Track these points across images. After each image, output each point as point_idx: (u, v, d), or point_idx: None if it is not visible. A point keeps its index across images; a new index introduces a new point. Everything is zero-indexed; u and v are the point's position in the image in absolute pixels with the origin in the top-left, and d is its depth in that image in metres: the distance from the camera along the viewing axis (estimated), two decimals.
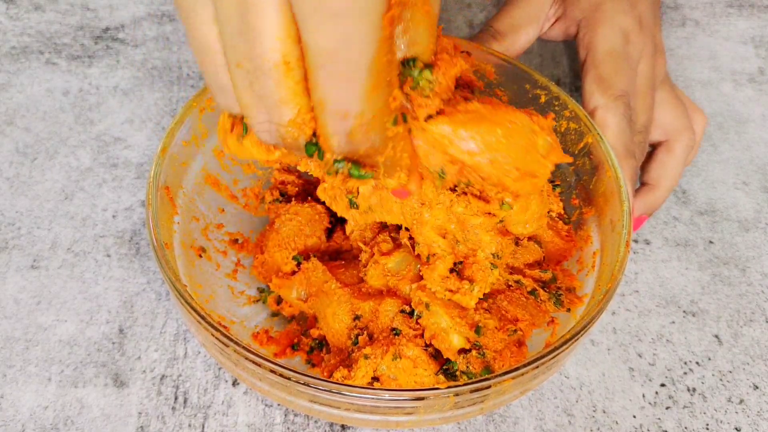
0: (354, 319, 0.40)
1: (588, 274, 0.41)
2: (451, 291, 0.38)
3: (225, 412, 0.42)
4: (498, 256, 0.39)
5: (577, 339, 0.36)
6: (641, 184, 0.50)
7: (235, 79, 0.28)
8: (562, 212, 0.44)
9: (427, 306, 0.38)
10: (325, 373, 0.40)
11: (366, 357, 0.37)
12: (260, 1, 0.26)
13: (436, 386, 0.33)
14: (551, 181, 0.44)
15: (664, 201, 0.50)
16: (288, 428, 0.42)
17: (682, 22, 0.69)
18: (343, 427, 0.42)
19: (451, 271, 0.40)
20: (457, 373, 0.37)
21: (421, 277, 0.40)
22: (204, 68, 0.29)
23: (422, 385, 0.37)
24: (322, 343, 0.42)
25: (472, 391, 0.34)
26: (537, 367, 0.35)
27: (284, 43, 0.27)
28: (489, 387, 0.34)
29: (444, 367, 0.38)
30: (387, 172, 0.32)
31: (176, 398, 0.42)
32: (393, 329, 0.39)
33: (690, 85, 0.63)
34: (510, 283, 0.41)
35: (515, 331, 0.39)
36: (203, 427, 0.41)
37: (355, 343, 0.39)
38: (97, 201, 0.52)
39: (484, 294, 0.39)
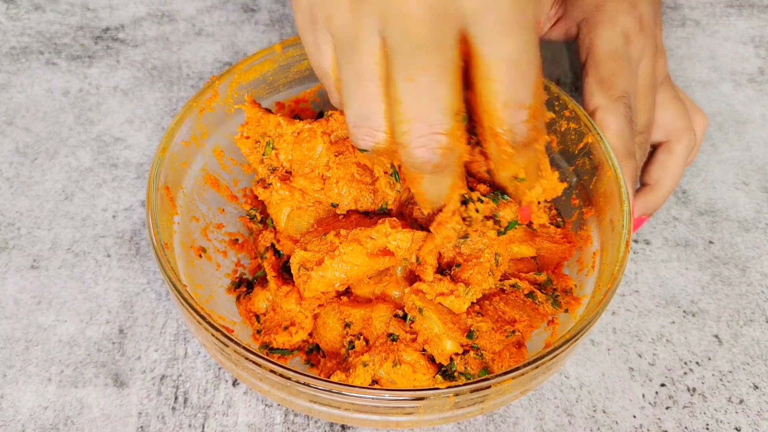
0: (345, 327, 0.40)
1: (588, 275, 0.41)
2: (442, 294, 0.38)
3: (225, 412, 0.42)
4: (498, 262, 0.39)
5: (577, 339, 0.36)
6: (641, 184, 0.50)
7: (401, 94, 0.32)
8: (546, 223, 0.44)
9: (420, 311, 0.38)
10: (323, 376, 0.40)
11: (365, 364, 0.37)
12: (445, 22, 0.31)
13: (437, 386, 0.33)
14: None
15: (665, 202, 0.50)
16: (288, 428, 0.42)
17: (682, 22, 0.69)
18: (343, 427, 0.42)
19: (444, 273, 0.40)
20: (455, 374, 0.37)
21: (411, 280, 0.40)
22: (354, 95, 0.34)
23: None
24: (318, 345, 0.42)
25: (472, 391, 0.34)
26: (537, 367, 0.35)
27: (459, 52, 0.32)
28: (489, 387, 0.34)
29: (442, 369, 0.38)
30: (533, 173, 0.37)
31: (176, 398, 0.43)
32: (389, 335, 0.39)
33: (690, 85, 0.63)
34: (505, 287, 0.41)
35: (513, 332, 0.39)
36: (203, 427, 0.41)
37: (351, 347, 0.39)
38: (97, 201, 0.52)
39: (479, 298, 0.39)
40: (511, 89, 0.32)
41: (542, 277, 0.42)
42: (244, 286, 0.44)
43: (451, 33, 0.31)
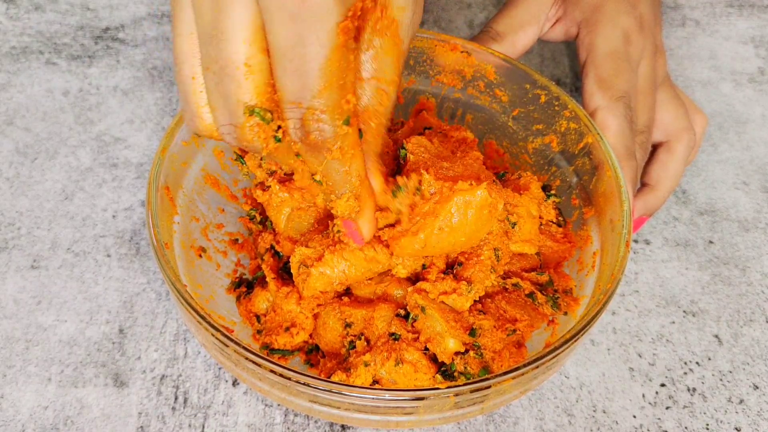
0: (345, 327, 0.40)
1: (588, 275, 0.41)
2: (445, 293, 0.38)
3: (225, 412, 0.42)
4: (499, 257, 0.39)
5: (577, 339, 0.36)
6: (642, 184, 0.50)
7: (206, 83, 0.32)
8: (554, 219, 0.44)
9: (422, 309, 0.38)
10: (323, 376, 0.40)
11: (366, 364, 0.37)
12: (231, 7, 0.30)
13: (437, 386, 0.33)
14: (545, 189, 0.44)
15: (665, 202, 0.50)
16: (288, 428, 0.42)
17: (682, 22, 0.69)
18: (343, 427, 0.42)
19: (447, 272, 0.40)
20: (455, 374, 0.37)
21: (413, 280, 0.40)
22: (177, 77, 0.33)
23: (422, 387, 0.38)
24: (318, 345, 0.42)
25: (472, 391, 0.34)
26: (537, 367, 0.35)
27: (249, 47, 0.30)
28: (489, 387, 0.34)
29: (442, 369, 0.38)
30: (336, 184, 0.34)
31: (176, 398, 0.42)
32: (392, 334, 0.39)
33: (690, 85, 0.63)
34: (507, 286, 0.41)
35: (514, 331, 0.39)
36: (203, 427, 0.41)
37: (352, 347, 0.39)
38: (97, 201, 0.52)
39: (481, 297, 0.39)
40: (283, 81, 0.31)
41: (544, 278, 0.42)
42: (244, 286, 0.44)
43: (239, 21, 0.30)
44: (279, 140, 0.32)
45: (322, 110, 0.31)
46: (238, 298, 0.43)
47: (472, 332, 0.38)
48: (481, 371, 0.37)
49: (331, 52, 0.30)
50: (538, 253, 0.43)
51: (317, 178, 0.34)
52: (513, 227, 0.41)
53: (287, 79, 0.31)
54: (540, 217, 0.43)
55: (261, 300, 0.42)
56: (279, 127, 0.32)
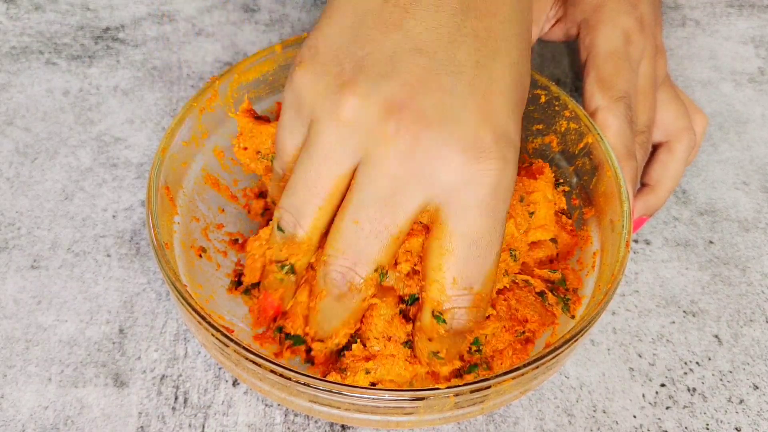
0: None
1: (588, 275, 0.41)
2: None
3: (225, 412, 0.42)
4: (516, 257, 0.39)
5: (578, 339, 0.36)
6: (642, 184, 0.50)
7: (343, 228, 0.34)
8: (565, 207, 0.44)
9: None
10: (321, 373, 0.40)
11: (367, 372, 0.37)
12: (414, 190, 0.33)
13: (437, 386, 0.33)
14: (555, 180, 0.44)
15: (665, 202, 0.50)
16: (288, 428, 0.42)
17: (682, 22, 0.69)
18: (343, 427, 0.42)
19: None
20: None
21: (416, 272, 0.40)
22: (297, 192, 0.36)
23: (415, 376, 0.38)
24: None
25: (472, 392, 0.34)
26: (537, 367, 0.35)
27: (410, 223, 0.34)
28: (489, 387, 0.34)
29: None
30: (450, 357, 0.37)
31: (176, 398, 0.43)
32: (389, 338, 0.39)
33: (690, 85, 0.63)
34: (518, 281, 0.41)
35: (523, 332, 0.39)
36: (203, 427, 0.41)
37: (347, 348, 0.39)
38: (97, 201, 0.52)
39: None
40: (463, 267, 0.34)
41: (557, 275, 0.41)
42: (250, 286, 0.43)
43: (415, 200, 0.33)
44: (443, 321, 0.35)
45: (485, 297, 0.35)
46: (246, 292, 0.43)
47: (476, 341, 0.38)
48: (471, 367, 0.38)
49: (502, 243, 0.35)
50: (554, 239, 0.43)
51: (441, 355, 0.36)
52: (531, 216, 0.41)
53: (466, 266, 0.34)
54: (554, 204, 0.43)
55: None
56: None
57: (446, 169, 0.32)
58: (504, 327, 0.38)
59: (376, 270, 0.34)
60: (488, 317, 0.39)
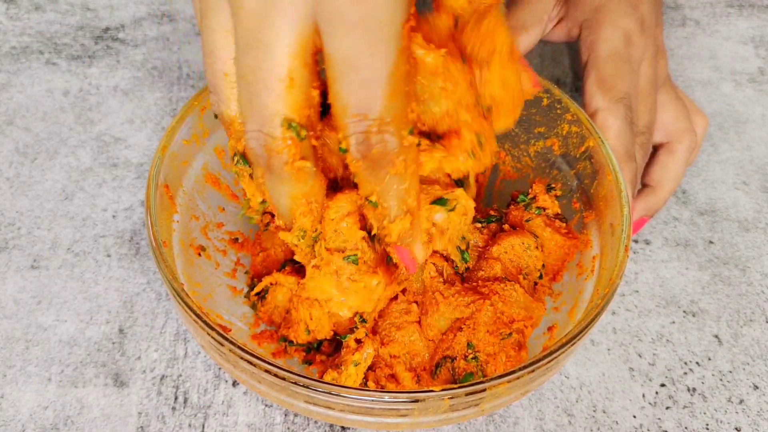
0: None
1: (587, 279, 0.41)
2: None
3: (225, 412, 0.42)
4: (482, 143, 0.36)
5: (575, 343, 0.36)
6: (642, 185, 0.50)
7: (240, 89, 0.31)
8: (559, 212, 0.44)
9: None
10: (318, 374, 0.40)
11: (356, 364, 0.37)
12: (277, 18, 0.28)
13: (431, 389, 0.33)
14: (548, 190, 0.44)
15: (666, 203, 0.50)
16: (288, 428, 0.42)
17: (682, 22, 0.69)
18: (343, 428, 0.42)
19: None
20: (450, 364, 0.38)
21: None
22: (206, 69, 0.32)
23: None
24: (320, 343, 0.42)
25: (467, 394, 0.34)
26: (533, 371, 0.35)
27: (293, 60, 0.29)
28: (484, 390, 0.34)
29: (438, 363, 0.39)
30: (392, 206, 0.33)
31: (176, 398, 0.42)
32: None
33: (690, 85, 0.63)
34: (500, 276, 0.41)
35: (510, 334, 0.39)
36: (203, 427, 0.41)
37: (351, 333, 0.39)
38: (97, 201, 0.52)
39: (473, 297, 0.39)
40: (348, 93, 0.29)
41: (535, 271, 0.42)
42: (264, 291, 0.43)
43: (285, 30, 0.29)
44: (344, 150, 0.31)
45: (388, 121, 0.30)
46: (260, 298, 0.43)
47: (470, 346, 0.38)
48: (468, 376, 0.38)
49: (398, 57, 0.29)
50: (542, 248, 0.43)
51: (373, 199, 0.33)
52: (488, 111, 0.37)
53: (352, 91, 0.29)
54: (545, 210, 0.43)
55: (280, 294, 0.41)
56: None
57: None
58: (488, 331, 0.38)
59: (288, 127, 0.30)
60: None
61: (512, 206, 0.44)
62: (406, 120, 0.31)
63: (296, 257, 0.37)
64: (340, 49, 0.29)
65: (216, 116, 0.34)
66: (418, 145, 0.33)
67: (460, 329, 0.39)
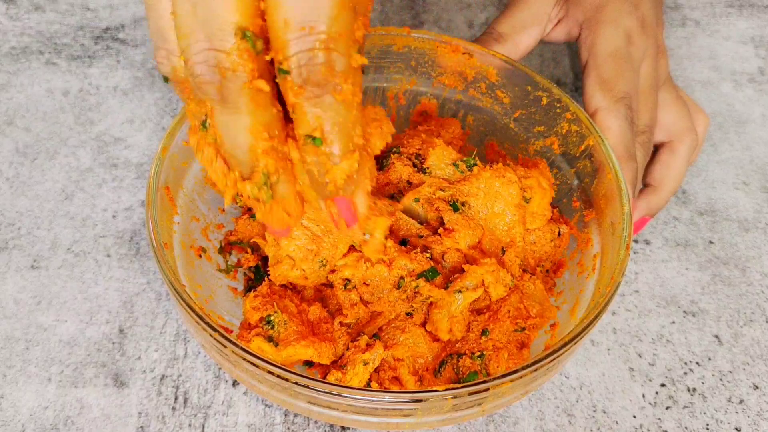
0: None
1: (588, 277, 0.41)
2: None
3: (225, 412, 0.42)
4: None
5: (576, 342, 0.36)
6: (644, 185, 0.50)
7: (179, 6, 0.27)
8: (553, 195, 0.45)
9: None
10: (320, 374, 0.40)
11: (365, 363, 0.37)
12: None
13: (434, 389, 0.33)
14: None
15: (667, 202, 0.50)
16: (288, 428, 0.42)
17: (682, 22, 0.69)
18: (343, 428, 0.42)
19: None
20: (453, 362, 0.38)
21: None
22: (150, 19, 0.29)
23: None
24: None
25: (470, 394, 0.34)
26: (535, 369, 0.35)
27: None
28: (487, 389, 0.34)
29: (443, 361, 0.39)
30: (338, 140, 0.29)
31: (176, 398, 0.42)
32: (408, 314, 0.40)
33: (690, 85, 0.63)
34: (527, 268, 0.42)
35: (523, 329, 0.39)
36: (203, 427, 0.41)
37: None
38: (97, 201, 0.52)
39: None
40: (294, 4, 0.26)
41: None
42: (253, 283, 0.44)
43: None
44: (285, 72, 0.27)
45: (335, 36, 0.27)
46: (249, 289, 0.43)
47: (485, 332, 0.39)
48: (472, 375, 0.38)
49: None
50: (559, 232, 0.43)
51: (316, 135, 0.28)
52: (527, 202, 0.41)
53: (298, 4, 0.26)
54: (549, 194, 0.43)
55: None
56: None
57: None
58: (510, 318, 0.39)
59: (242, 36, 0.27)
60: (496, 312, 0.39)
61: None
62: (353, 37, 0.27)
63: (258, 216, 0.32)
64: None
65: (166, 80, 0.30)
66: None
67: (480, 313, 0.40)
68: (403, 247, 0.40)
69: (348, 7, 0.27)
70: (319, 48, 0.27)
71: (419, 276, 0.39)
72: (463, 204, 0.41)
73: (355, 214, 0.31)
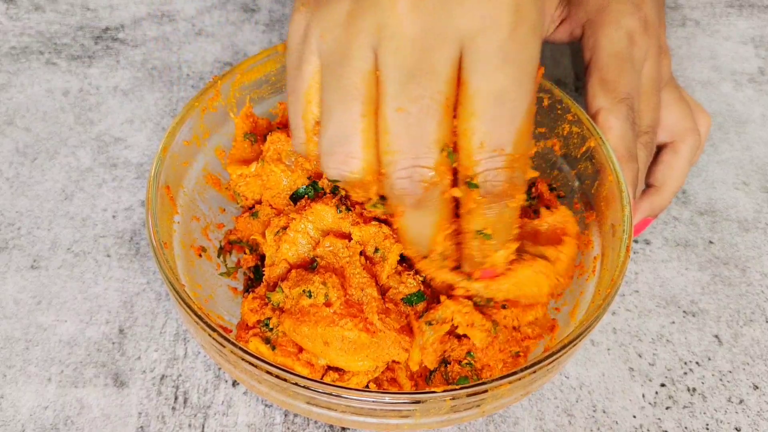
0: None
1: (588, 279, 0.41)
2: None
3: (225, 412, 0.42)
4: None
5: (576, 344, 0.36)
6: (646, 185, 0.50)
7: (390, 123, 0.31)
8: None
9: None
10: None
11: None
12: (441, 46, 0.29)
13: (433, 390, 0.33)
14: (551, 190, 0.44)
15: (670, 203, 0.50)
16: (288, 428, 0.42)
17: (682, 22, 0.69)
18: (343, 428, 0.42)
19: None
20: (449, 370, 0.38)
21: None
22: (334, 117, 0.32)
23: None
24: None
25: (468, 395, 0.34)
26: (534, 372, 0.35)
27: (452, 85, 0.30)
28: (486, 391, 0.34)
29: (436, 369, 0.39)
30: (503, 235, 0.34)
31: (176, 398, 0.42)
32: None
33: (690, 85, 0.63)
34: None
35: (518, 353, 0.39)
36: (203, 427, 0.41)
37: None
38: (97, 201, 0.52)
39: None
40: (490, 128, 0.31)
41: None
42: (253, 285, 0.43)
43: (445, 58, 0.30)
44: (474, 186, 0.32)
45: (517, 157, 0.31)
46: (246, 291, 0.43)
47: (469, 354, 0.38)
48: (462, 380, 0.38)
49: (532, 97, 0.31)
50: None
51: (488, 232, 0.34)
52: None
53: (493, 127, 0.30)
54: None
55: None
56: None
57: (461, 11, 0.29)
58: (500, 349, 0.38)
59: (447, 154, 0.31)
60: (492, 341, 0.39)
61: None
62: (530, 156, 0.33)
63: (433, 280, 0.38)
64: (489, 83, 0.30)
65: (335, 182, 0.34)
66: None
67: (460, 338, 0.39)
68: (399, 265, 0.40)
69: (529, 132, 0.32)
70: (505, 168, 0.31)
71: (403, 299, 0.38)
72: (488, 300, 0.39)
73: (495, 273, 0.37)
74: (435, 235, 0.34)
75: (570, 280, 0.41)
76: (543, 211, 0.42)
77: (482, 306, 0.38)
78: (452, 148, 0.31)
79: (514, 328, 0.39)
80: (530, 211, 0.43)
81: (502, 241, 0.35)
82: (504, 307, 0.39)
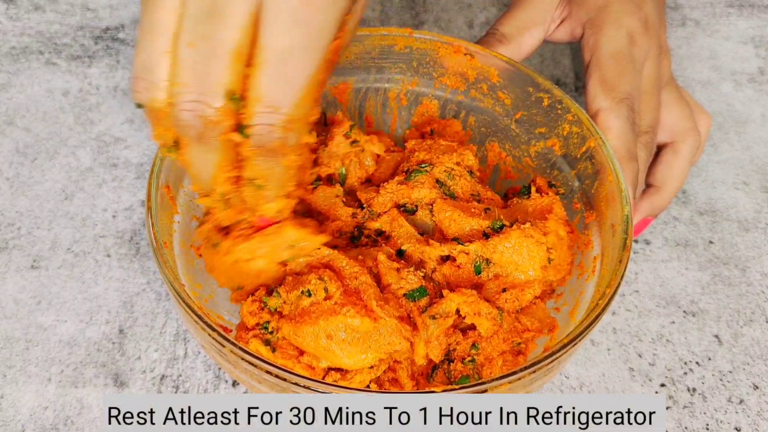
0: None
1: (588, 279, 0.41)
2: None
3: None
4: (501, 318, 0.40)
5: (575, 344, 0.36)
6: (647, 185, 0.50)
7: (181, 56, 0.31)
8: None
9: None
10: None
11: (371, 366, 0.37)
12: None
13: (432, 390, 0.33)
14: (550, 187, 0.44)
15: (670, 203, 0.50)
16: None
17: (682, 22, 0.69)
18: None
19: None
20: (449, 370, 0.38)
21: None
22: (142, 49, 0.32)
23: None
24: None
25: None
26: (534, 372, 0.34)
27: (244, 34, 0.31)
28: (485, 391, 0.34)
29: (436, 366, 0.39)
30: (274, 188, 0.35)
31: None
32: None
33: (690, 85, 0.63)
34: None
35: (519, 343, 0.39)
36: None
37: None
38: (97, 201, 0.52)
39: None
40: (269, 84, 0.31)
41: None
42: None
43: (241, 6, 0.30)
44: (246, 135, 0.32)
45: (294, 119, 0.32)
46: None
47: (474, 346, 0.38)
48: (463, 379, 0.38)
49: (321, 65, 0.32)
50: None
51: (259, 183, 0.35)
52: (550, 262, 0.41)
53: (272, 84, 0.31)
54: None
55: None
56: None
57: None
58: (503, 339, 0.39)
59: (230, 98, 0.32)
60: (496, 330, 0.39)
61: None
62: (308, 122, 0.33)
63: (216, 214, 0.39)
64: (274, 40, 0.30)
65: (139, 106, 0.34)
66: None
67: (465, 334, 0.39)
68: (398, 262, 0.40)
69: (311, 99, 0.33)
70: (278, 125, 0.32)
71: (405, 295, 0.38)
72: (487, 262, 0.40)
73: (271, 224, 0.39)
74: (216, 174, 0.35)
75: (567, 267, 0.42)
76: (533, 193, 0.44)
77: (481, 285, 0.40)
78: (239, 96, 0.32)
79: (517, 312, 0.40)
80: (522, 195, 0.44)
81: (274, 194, 0.36)
82: (504, 290, 0.40)
